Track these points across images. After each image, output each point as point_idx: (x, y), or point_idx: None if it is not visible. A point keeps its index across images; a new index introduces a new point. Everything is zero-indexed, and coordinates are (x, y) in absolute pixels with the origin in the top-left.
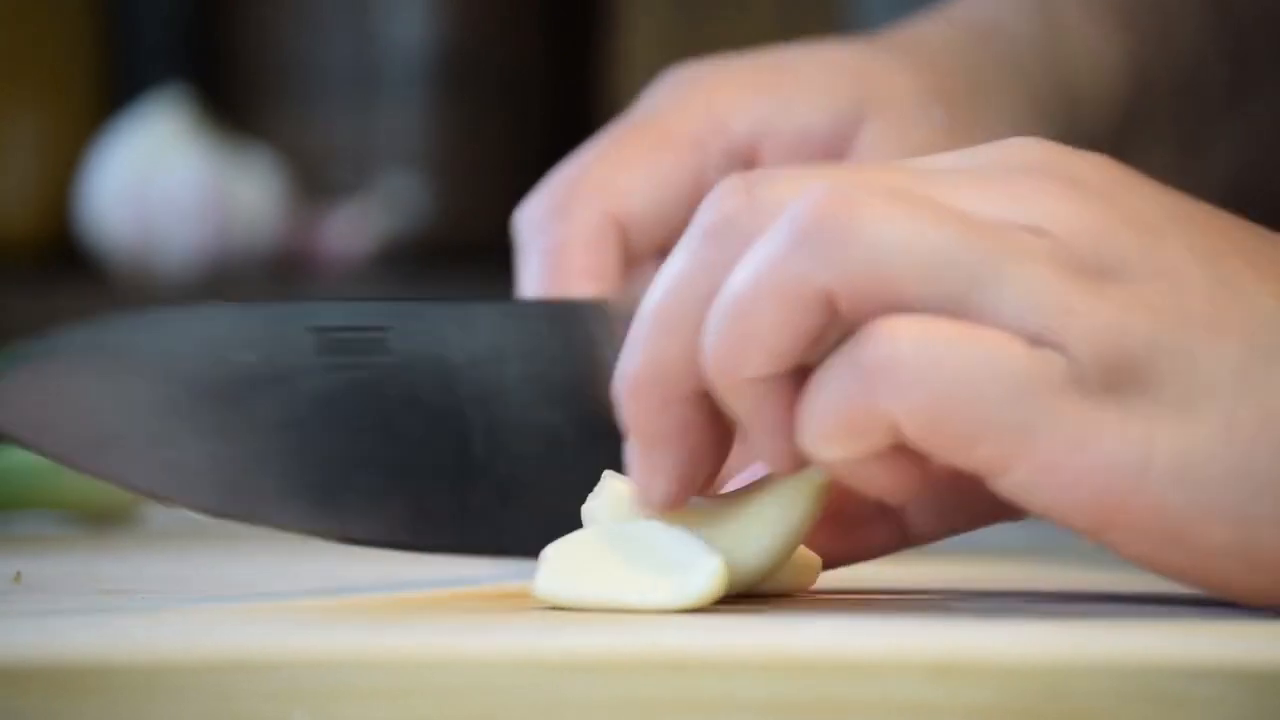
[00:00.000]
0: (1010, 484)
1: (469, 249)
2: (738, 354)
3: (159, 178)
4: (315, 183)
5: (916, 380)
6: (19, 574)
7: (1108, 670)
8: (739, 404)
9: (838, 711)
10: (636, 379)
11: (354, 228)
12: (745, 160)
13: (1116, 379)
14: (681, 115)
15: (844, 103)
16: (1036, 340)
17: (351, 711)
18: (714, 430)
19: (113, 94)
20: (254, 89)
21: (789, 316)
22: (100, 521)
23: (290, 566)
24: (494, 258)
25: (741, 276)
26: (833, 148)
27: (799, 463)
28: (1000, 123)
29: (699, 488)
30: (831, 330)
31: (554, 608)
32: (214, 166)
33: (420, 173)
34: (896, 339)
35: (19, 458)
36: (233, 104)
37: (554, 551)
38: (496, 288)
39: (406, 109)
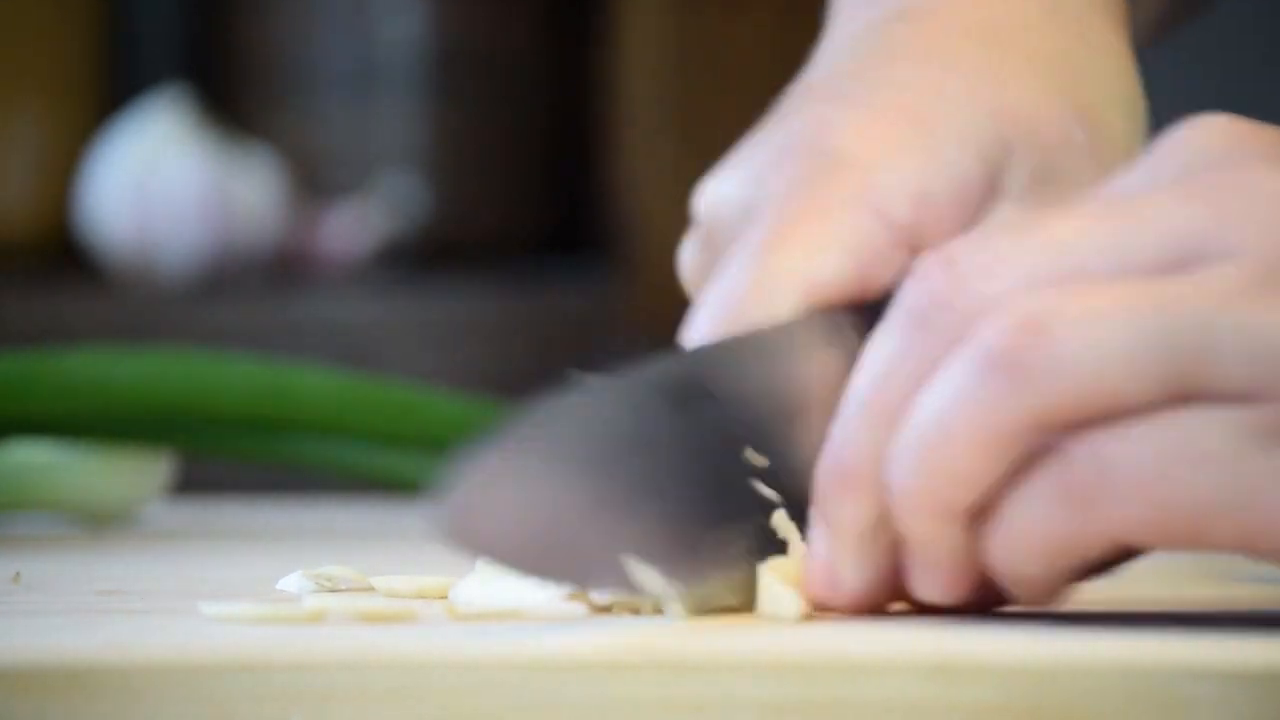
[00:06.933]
0: (1259, 557)
1: (468, 249)
2: (934, 489)
3: (159, 178)
4: (315, 183)
5: (1132, 495)
6: (18, 574)
7: (1108, 670)
8: (923, 531)
9: (837, 712)
10: (844, 471)
11: (353, 228)
12: (909, 232)
13: None
14: (834, 191)
15: (990, 148)
16: (1262, 396)
17: (349, 713)
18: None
19: (113, 94)
20: (254, 89)
21: (989, 451)
22: (100, 521)
23: (289, 567)
24: (493, 258)
25: (933, 408)
26: (986, 193)
27: (967, 592)
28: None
29: (877, 597)
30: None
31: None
32: (214, 166)
33: (420, 173)
34: (1104, 457)
35: (19, 458)
36: (233, 104)
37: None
38: (495, 288)
39: (406, 109)
